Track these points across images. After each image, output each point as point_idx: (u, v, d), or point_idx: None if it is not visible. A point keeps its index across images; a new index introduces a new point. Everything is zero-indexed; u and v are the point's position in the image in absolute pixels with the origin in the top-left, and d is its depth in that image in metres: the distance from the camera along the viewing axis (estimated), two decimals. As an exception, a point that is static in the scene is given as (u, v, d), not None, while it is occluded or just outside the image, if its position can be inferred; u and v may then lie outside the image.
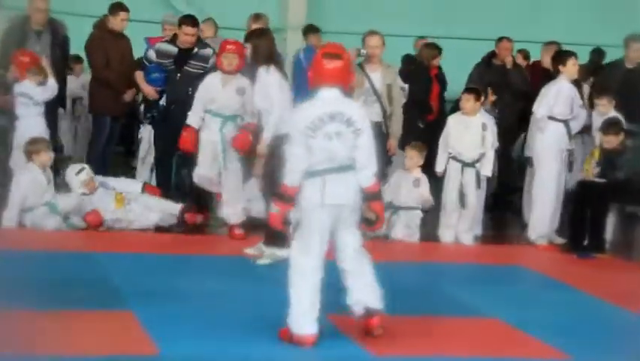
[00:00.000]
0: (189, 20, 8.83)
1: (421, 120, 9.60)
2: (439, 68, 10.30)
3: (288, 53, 10.06)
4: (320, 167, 5.18)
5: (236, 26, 11.39)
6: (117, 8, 9.39)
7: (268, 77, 7.74)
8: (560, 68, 8.61)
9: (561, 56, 8.78)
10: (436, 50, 10.19)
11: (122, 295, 6.08)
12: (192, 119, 7.98)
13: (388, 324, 5.54)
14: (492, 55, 10.43)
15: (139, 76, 8.96)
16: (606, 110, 8.78)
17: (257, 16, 9.53)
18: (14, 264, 6.65)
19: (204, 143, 7.97)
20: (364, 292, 5.38)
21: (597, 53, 11.39)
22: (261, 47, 7.83)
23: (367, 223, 5.45)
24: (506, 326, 5.95)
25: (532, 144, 9.05)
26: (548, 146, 8.53)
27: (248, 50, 7.68)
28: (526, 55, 11.42)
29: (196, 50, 8.82)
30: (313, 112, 5.22)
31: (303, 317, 5.24)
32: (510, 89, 9.95)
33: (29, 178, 8.05)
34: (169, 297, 6.12)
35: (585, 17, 13.13)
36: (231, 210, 8.01)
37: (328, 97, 5.26)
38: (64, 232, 7.96)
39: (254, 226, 8.68)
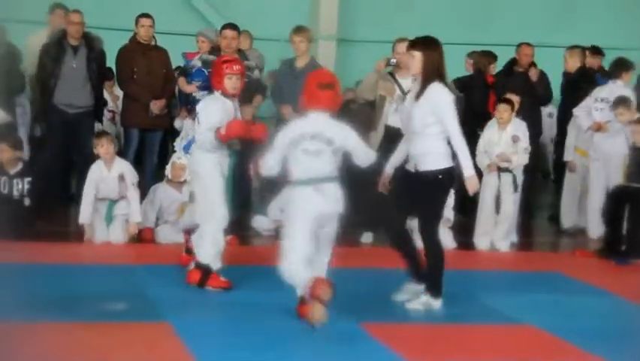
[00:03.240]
0: (229, 25, 8.91)
1: (480, 129, 9.51)
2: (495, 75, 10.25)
3: (324, 65, 10.05)
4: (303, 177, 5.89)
5: (269, 37, 11.48)
6: (139, 17, 9.54)
7: (441, 97, 6.25)
8: (624, 75, 9.04)
9: (625, 64, 9.21)
10: (492, 57, 10.14)
11: (159, 307, 6.12)
12: None
13: (425, 332, 5.53)
14: (513, 62, 10.38)
15: (182, 81, 9.03)
16: (624, 119, 8.77)
17: (300, 29, 9.46)
18: (52, 277, 6.73)
19: (215, 177, 6.65)
20: None
21: None
22: (432, 57, 6.30)
23: None
24: (545, 333, 5.91)
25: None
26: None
27: (416, 58, 6.27)
28: None
29: None
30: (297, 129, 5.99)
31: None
32: (532, 96, 9.87)
33: (95, 171, 8.23)
34: (206, 308, 6.16)
35: (609, 21, 13.02)
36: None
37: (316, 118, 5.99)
38: (100, 244, 8.04)
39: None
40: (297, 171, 5.91)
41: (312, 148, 5.88)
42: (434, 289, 6.28)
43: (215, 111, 6.61)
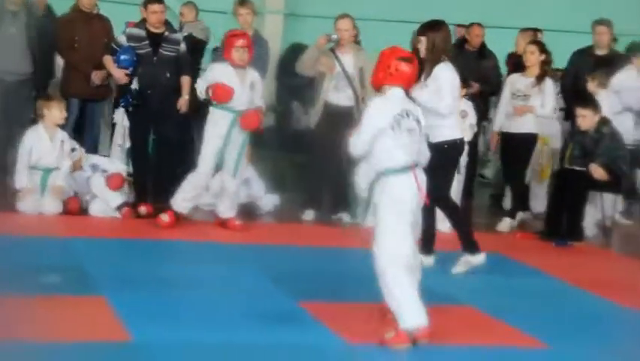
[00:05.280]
0: None
1: None
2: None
3: (267, 39, 9.96)
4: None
5: (216, 9, 11.32)
6: None
7: (443, 72, 6.73)
8: (635, 60, 9.09)
9: (635, 48, 9.27)
10: None
11: (96, 281, 6.01)
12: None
13: (365, 311, 5.51)
14: (464, 40, 10.38)
15: (108, 60, 8.83)
16: (593, 88, 8.80)
17: (244, 1, 9.36)
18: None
19: (210, 138, 7.79)
20: None
21: None
22: (437, 41, 6.75)
23: None
24: (483, 314, 5.93)
25: None
26: None
27: (422, 43, 6.73)
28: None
29: (166, 33, 8.74)
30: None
31: (415, 308, 5.16)
32: (481, 76, 9.89)
33: (33, 137, 8.07)
34: (143, 283, 6.06)
35: (563, 3, 13.09)
36: (228, 204, 7.99)
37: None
38: (37, 216, 7.87)
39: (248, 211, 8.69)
40: (395, 155, 5.24)
41: (410, 127, 5.28)
42: (469, 247, 6.82)
43: (213, 75, 7.74)
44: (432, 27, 6.77)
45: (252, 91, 7.83)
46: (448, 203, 6.93)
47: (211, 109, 7.78)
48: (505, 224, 8.76)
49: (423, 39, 6.72)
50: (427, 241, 6.94)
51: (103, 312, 5.37)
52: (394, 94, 5.32)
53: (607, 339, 5.67)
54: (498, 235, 8.71)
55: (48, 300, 5.52)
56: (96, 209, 8.11)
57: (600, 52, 9.67)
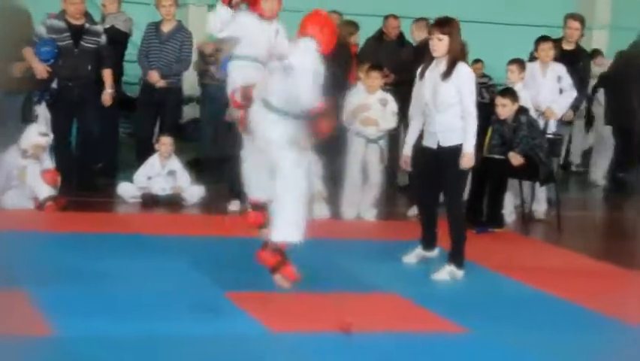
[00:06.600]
0: None
1: (341, 99, 9.51)
2: (358, 45, 10.31)
3: (191, 30, 9.89)
4: None
5: (139, 0, 11.22)
6: None
7: (465, 71, 6.62)
8: (535, 53, 9.11)
9: (536, 41, 9.19)
10: (354, 26, 10.19)
11: (16, 275, 5.91)
12: None
13: (291, 301, 5.56)
14: (382, 31, 10.49)
15: (28, 52, 8.71)
16: (514, 78, 8.92)
17: None
18: None
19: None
20: None
21: None
22: (457, 38, 6.60)
23: None
24: (405, 301, 6.01)
25: None
26: None
27: (442, 41, 6.50)
28: None
29: (87, 25, 8.64)
30: None
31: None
32: (400, 67, 10.00)
33: None
34: (64, 276, 5.99)
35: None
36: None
37: None
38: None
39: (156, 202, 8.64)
40: None
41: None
42: (459, 260, 6.69)
43: (235, 28, 6.37)
44: (452, 24, 6.54)
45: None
46: (461, 210, 6.88)
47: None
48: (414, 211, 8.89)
49: (444, 37, 6.48)
50: (432, 238, 7.00)
51: (23, 306, 5.29)
52: None
53: (526, 323, 5.76)
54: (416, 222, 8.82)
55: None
56: (9, 201, 7.99)
57: (567, 46, 9.67)
